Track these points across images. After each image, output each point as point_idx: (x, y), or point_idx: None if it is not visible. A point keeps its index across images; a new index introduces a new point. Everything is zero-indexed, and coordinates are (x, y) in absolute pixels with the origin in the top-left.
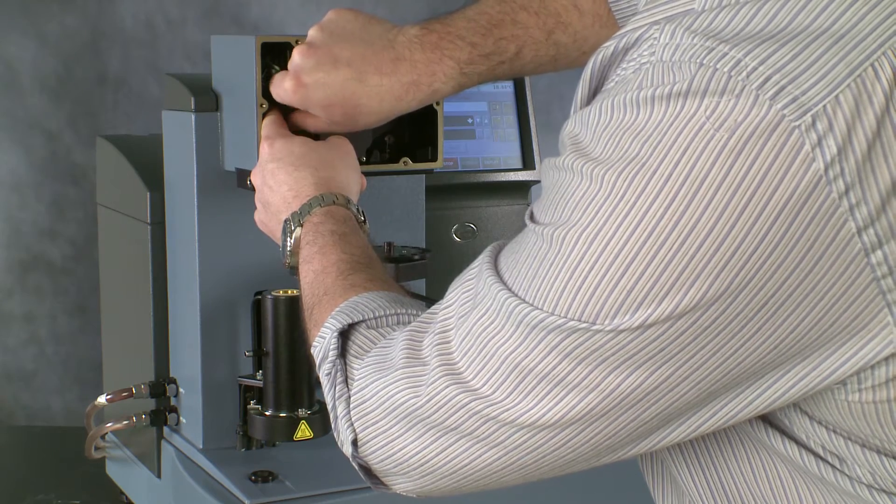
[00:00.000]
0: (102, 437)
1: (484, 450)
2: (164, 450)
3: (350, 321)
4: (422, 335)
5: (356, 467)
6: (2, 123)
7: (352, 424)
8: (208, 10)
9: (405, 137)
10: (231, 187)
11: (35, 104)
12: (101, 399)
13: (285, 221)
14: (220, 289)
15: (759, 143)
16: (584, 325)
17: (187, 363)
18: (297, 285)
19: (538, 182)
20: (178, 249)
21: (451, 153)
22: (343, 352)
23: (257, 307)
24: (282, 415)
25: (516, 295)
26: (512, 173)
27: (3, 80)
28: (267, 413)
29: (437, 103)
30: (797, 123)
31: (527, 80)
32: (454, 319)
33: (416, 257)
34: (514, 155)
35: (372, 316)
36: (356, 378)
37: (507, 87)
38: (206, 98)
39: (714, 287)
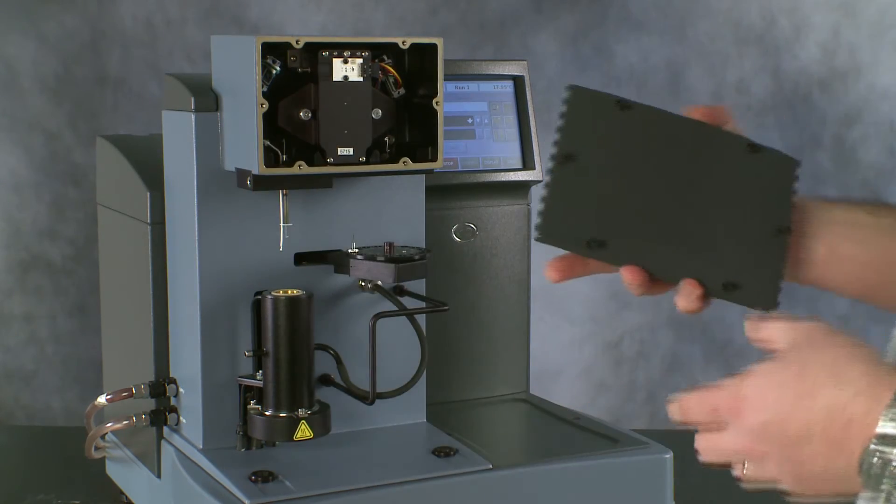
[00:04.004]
0: (102, 437)
1: None
2: (164, 450)
3: None
4: None
5: None
6: (2, 123)
7: None
8: (208, 10)
9: (405, 137)
10: (231, 187)
11: (35, 104)
12: (101, 399)
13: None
14: (220, 289)
15: None
16: None
17: (187, 363)
18: (296, 285)
19: (538, 182)
20: (178, 249)
21: (451, 153)
22: None
23: (257, 307)
24: (282, 415)
25: None
26: (512, 173)
27: (3, 80)
28: (267, 413)
29: (437, 102)
30: None
31: (526, 79)
32: None
33: (417, 257)
34: (514, 155)
35: None
36: None
37: (508, 88)
38: (206, 98)
39: None
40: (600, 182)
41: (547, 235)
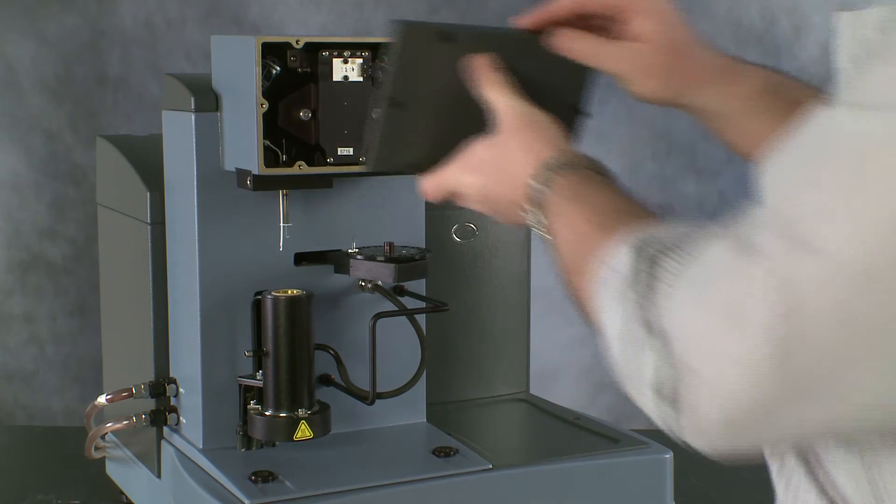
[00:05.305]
0: (102, 437)
1: None
2: (164, 450)
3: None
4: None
5: None
6: (2, 123)
7: None
8: (208, 10)
9: None
10: (231, 187)
11: (35, 104)
12: (101, 399)
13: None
14: (220, 289)
15: None
16: None
17: (187, 363)
18: (296, 285)
19: None
20: (178, 249)
21: None
22: None
23: (257, 307)
24: (282, 415)
25: None
26: None
27: (3, 80)
28: (267, 413)
29: None
30: None
31: None
32: None
33: (417, 257)
34: None
35: None
36: None
37: None
38: (206, 98)
39: None
40: (424, 120)
41: (377, 167)
